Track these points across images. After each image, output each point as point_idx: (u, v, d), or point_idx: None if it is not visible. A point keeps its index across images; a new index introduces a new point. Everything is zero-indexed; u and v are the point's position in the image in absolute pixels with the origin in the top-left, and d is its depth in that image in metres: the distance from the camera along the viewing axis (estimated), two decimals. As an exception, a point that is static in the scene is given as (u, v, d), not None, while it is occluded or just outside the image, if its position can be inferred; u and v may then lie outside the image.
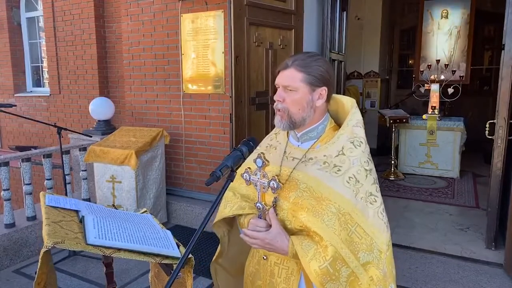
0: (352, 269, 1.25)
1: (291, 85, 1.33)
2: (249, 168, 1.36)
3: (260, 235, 1.30)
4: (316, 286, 1.26)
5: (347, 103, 1.45)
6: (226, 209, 1.47)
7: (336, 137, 1.36)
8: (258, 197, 1.34)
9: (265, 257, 1.43)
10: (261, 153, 1.31)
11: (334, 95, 1.45)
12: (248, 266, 1.54)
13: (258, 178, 1.32)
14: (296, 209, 1.31)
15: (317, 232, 1.25)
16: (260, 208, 1.34)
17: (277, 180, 1.30)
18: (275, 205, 1.35)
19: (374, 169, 1.36)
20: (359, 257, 1.26)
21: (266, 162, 1.31)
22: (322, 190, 1.28)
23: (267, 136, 1.59)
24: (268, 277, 1.43)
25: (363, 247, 1.26)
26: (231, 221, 1.60)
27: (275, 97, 1.39)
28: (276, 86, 1.39)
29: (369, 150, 1.37)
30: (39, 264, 1.29)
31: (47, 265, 1.41)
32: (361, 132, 1.36)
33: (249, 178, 1.35)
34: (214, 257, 1.65)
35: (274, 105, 1.39)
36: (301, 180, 1.33)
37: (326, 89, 1.36)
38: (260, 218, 1.35)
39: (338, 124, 1.45)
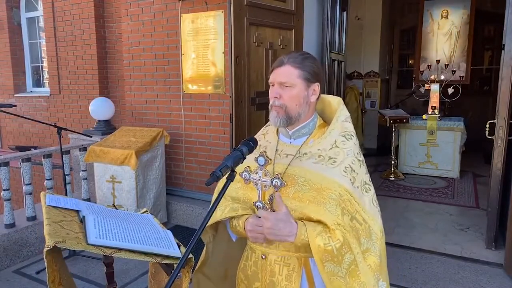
0: (355, 256, 1.27)
1: (289, 81, 1.36)
2: (248, 167, 1.36)
3: (271, 216, 1.26)
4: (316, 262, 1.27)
5: (333, 102, 1.50)
6: (217, 212, 1.44)
7: (328, 132, 1.41)
8: (259, 195, 1.35)
9: (263, 256, 1.43)
10: (263, 151, 1.33)
11: (321, 95, 1.49)
12: (243, 270, 1.52)
13: (260, 177, 1.33)
14: (297, 203, 1.32)
15: (321, 220, 1.27)
16: (260, 207, 1.34)
17: (281, 178, 1.31)
18: (271, 202, 1.36)
19: (364, 160, 1.41)
20: (361, 243, 1.29)
21: (269, 160, 1.32)
22: (321, 181, 1.31)
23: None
24: (268, 277, 1.43)
25: (363, 234, 1.30)
26: (216, 226, 1.58)
27: (271, 94, 1.40)
28: (270, 84, 1.42)
29: (359, 143, 1.43)
30: (46, 263, 1.29)
31: (56, 263, 1.41)
32: (350, 127, 1.42)
33: (249, 177, 1.35)
34: (198, 265, 1.61)
35: (270, 103, 1.41)
36: (298, 175, 1.35)
37: (319, 85, 1.41)
38: (259, 217, 1.34)
39: (325, 122, 1.49)
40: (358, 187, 1.33)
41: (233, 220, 1.44)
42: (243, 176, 1.37)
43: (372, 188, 1.37)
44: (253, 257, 1.47)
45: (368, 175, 1.39)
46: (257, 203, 1.34)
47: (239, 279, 1.54)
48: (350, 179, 1.32)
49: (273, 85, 1.40)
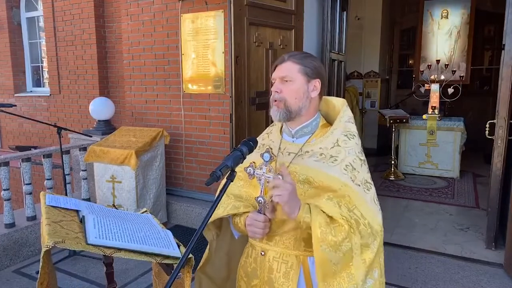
0: (352, 245, 1.28)
1: (289, 75, 1.40)
2: (253, 162, 1.37)
3: (287, 185, 1.26)
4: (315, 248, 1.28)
5: (338, 104, 1.53)
6: (219, 210, 1.47)
7: (330, 131, 1.44)
8: (261, 191, 1.35)
9: (263, 253, 1.45)
10: (269, 147, 1.36)
11: (325, 97, 1.53)
12: (243, 267, 1.54)
13: (263, 172, 1.34)
14: None
15: (322, 209, 1.29)
16: (261, 202, 1.35)
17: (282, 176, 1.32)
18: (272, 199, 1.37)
19: (366, 160, 1.43)
20: (362, 235, 1.30)
21: (274, 157, 1.34)
22: (321, 178, 1.34)
23: (259, 136, 1.61)
24: (266, 274, 1.44)
25: (363, 227, 1.31)
26: (220, 224, 1.61)
27: (272, 89, 1.44)
28: (272, 81, 1.45)
29: (361, 143, 1.45)
30: (41, 264, 1.29)
31: (49, 265, 1.41)
32: (353, 127, 1.45)
33: (253, 172, 1.36)
34: (200, 264, 1.62)
35: (271, 97, 1.44)
36: (299, 172, 1.38)
37: (320, 81, 1.43)
38: (260, 213, 1.36)
39: (328, 123, 1.52)
40: (359, 185, 1.35)
41: (235, 217, 1.47)
42: (247, 171, 1.37)
43: (373, 187, 1.39)
44: (253, 254, 1.49)
45: (369, 174, 1.41)
46: (258, 198, 1.35)
47: (239, 276, 1.55)
48: (351, 177, 1.34)
49: (275, 81, 1.44)
